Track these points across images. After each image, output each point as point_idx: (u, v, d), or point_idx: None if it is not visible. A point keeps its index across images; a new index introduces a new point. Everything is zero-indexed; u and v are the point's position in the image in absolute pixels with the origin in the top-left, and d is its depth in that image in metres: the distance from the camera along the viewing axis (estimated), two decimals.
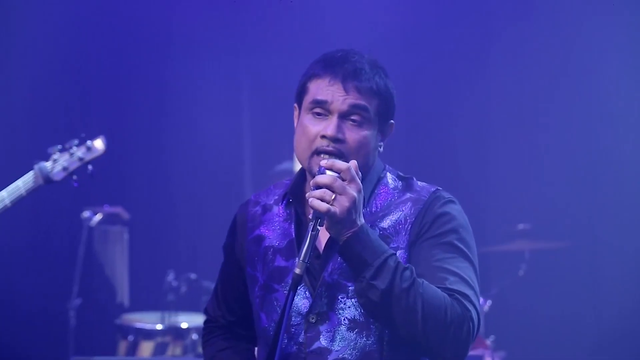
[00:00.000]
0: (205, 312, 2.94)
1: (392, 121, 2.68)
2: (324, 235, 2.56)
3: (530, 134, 7.04)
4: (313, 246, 2.51)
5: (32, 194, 4.29)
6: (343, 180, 2.43)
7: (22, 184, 4.27)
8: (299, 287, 2.54)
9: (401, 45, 6.97)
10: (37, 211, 7.13)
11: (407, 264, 2.47)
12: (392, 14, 7.03)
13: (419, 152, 6.90)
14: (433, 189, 2.65)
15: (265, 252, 2.68)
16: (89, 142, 4.35)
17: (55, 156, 4.31)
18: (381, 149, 2.67)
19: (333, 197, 2.41)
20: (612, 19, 6.74)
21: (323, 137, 2.56)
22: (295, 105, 2.71)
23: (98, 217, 6.44)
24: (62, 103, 7.09)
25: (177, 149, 7.53)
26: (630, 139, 6.78)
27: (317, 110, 2.60)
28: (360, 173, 2.49)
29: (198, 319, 6.42)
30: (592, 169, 6.89)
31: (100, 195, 6.98)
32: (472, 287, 2.52)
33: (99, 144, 4.37)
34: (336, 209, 2.40)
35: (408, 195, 2.63)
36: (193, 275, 6.42)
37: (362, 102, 2.58)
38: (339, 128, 2.56)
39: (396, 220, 2.58)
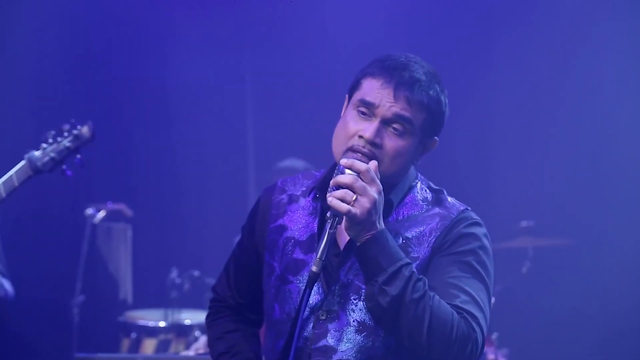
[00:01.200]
0: (214, 291, 2.91)
1: (436, 138, 2.66)
2: (345, 235, 2.55)
3: (533, 131, 7.03)
4: (334, 243, 2.52)
5: (25, 184, 4.26)
6: (363, 181, 2.41)
7: (15, 174, 4.25)
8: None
9: (403, 43, 6.96)
10: (41, 208, 7.14)
11: (421, 276, 2.46)
12: (394, 13, 7.03)
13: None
14: (462, 208, 2.64)
15: (286, 243, 2.66)
16: (77, 130, 4.30)
17: (44, 145, 4.25)
18: (418, 162, 2.66)
19: (354, 198, 2.39)
20: (615, 18, 6.73)
21: (361, 137, 2.54)
22: (347, 96, 2.68)
23: (101, 214, 6.44)
24: (65, 100, 7.08)
25: (180, 146, 7.53)
26: (633, 136, 6.77)
27: (363, 109, 2.57)
28: (379, 175, 2.47)
29: (201, 316, 6.41)
30: (596, 165, 6.88)
31: (104, 192, 6.99)
32: (482, 310, 2.51)
33: (85, 130, 4.31)
34: (357, 210, 2.38)
35: (437, 210, 2.62)
36: (196, 273, 6.43)
37: (408, 114, 2.56)
38: (378, 132, 2.54)
39: (421, 232, 2.57)
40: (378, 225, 2.42)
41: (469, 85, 7.12)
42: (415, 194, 2.65)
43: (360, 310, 2.52)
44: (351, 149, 2.53)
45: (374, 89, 2.57)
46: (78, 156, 4.29)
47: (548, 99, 6.99)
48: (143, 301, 6.84)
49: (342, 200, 2.39)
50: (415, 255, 2.54)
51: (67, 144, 4.26)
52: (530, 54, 6.99)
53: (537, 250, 6.53)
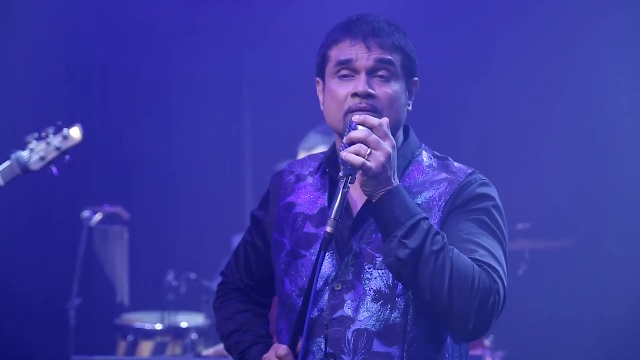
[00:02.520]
0: (223, 274, 2.92)
1: (416, 78, 2.67)
2: (355, 206, 2.58)
3: (529, 133, 7.03)
4: (346, 214, 2.54)
5: (10, 184, 4.26)
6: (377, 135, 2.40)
7: (0, 174, 4.25)
8: (327, 254, 2.54)
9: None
10: (37, 211, 7.14)
11: (439, 230, 2.44)
12: (393, 13, 7.03)
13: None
14: (470, 171, 2.63)
15: (295, 219, 2.66)
16: (65, 131, 4.29)
17: (31, 145, 4.26)
18: (410, 107, 2.66)
19: (368, 152, 2.37)
20: (615, 18, 6.73)
21: (354, 95, 2.54)
22: (318, 79, 2.69)
23: (98, 216, 6.44)
24: (60, 102, 7.08)
25: (177, 149, 7.54)
26: (630, 138, 6.77)
27: (343, 72, 2.58)
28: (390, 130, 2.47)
29: (198, 319, 6.43)
30: (592, 168, 6.88)
31: (100, 195, 6.99)
32: (500, 265, 2.48)
33: (75, 132, 4.32)
34: (372, 163, 2.36)
35: (444, 175, 2.60)
36: (193, 275, 6.43)
37: (387, 57, 2.57)
38: (368, 84, 2.55)
39: (430, 197, 2.56)
40: (393, 180, 2.41)
41: (466, 87, 7.13)
42: (421, 160, 2.65)
43: (375, 278, 2.51)
44: (350, 111, 2.53)
45: (344, 50, 2.59)
46: (67, 157, 4.30)
47: (544, 101, 7.00)
48: (140, 304, 6.84)
49: (357, 155, 2.37)
50: None
51: (57, 144, 4.27)
52: (526, 57, 7.00)
53: (534, 252, 6.54)
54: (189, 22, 7.40)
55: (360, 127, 2.40)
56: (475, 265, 2.41)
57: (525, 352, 6.74)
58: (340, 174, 2.43)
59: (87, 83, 7.31)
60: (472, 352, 6.01)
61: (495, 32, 7.07)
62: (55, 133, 4.29)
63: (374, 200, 2.42)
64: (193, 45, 7.40)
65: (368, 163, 2.36)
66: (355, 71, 2.57)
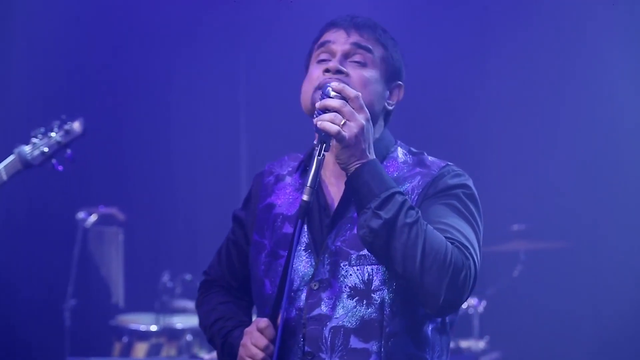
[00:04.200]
0: (205, 273, 2.94)
1: (400, 82, 2.69)
2: (333, 203, 2.59)
3: (525, 134, 7.04)
4: (324, 208, 2.56)
5: (13, 178, 4.26)
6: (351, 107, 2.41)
7: (3, 168, 4.24)
8: (304, 253, 2.56)
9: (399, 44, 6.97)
10: (33, 212, 7.13)
11: (414, 206, 2.44)
12: (391, 14, 7.02)
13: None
14: (443, 164, 2.64)
15: (275, 220, 2.67)
16: (67, 125, 4.30)
17: (35, 140, 4.26)
18: (390, 107, 2.67)
19: (342, 122, 2.37)
20: (612, 18, 6.74)
21: (326, 71, 2.58)
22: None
23: (93, 217, 6.44)
24: (57, 102, 7.07)
25: (173, 150, 7.53)
26: (625, 139, 6.78)
27: (322, 56, 2.63)
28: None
29: (193, 320, 6.42)
30: (588, 169, 6.89)
31: (96, 196, 6.98)
32: (471, 244, 2.47)
33: (76, 126, 4.32)
34: (345, 132, 2.37)
35: (418, 169, 2.62)
36: (188, 276, 6.42)
37: (365, 43, 2.62)
38: (341, 62, 2.59)
39: (404, 192, 2.54)
40: (369, 154, 2.42)
41: (461, 88, 7.13)
42: (396, 157, 2.67)
43: (350, 275, 2.52)
44: (319, 87, 2.54)
45: (327, 36, 2.66)
46: (69, 151, 4.30)
47: (541, 102, 7.00)
48: (135, 305, 6.83)
49: (331, 123, 2.37)
50: None
51: (58, 139, 4.28)
52: (522, 58, 7.00)
53: (529, 253, 6.54)
54: (186, 22, 7.39)
55: (333, 94, 2.41)
56: (448, 242, 2.41)
57: (521, 353, 6.75)
58: (315, 141, 2.45)
59: (83, 84, 7.30)
60: (467, 352, 6.02)
61: (492, 32, 7.07)
62: (59, 127, 4.30)
63: (349, 174, 2.43)
64: (189, 46, 7.39)
65: (342, 132, 2.36)
66: (332, 53, 2.62)
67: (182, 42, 7.40)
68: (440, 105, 7.15)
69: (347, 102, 2.40)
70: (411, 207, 2.41)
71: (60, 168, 4.30)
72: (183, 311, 6.50)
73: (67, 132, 4.29)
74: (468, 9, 7.10)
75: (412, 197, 2.56)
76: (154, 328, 6.35)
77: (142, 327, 6.37)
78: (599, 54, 6.82)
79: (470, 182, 2.62)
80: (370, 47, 2.62)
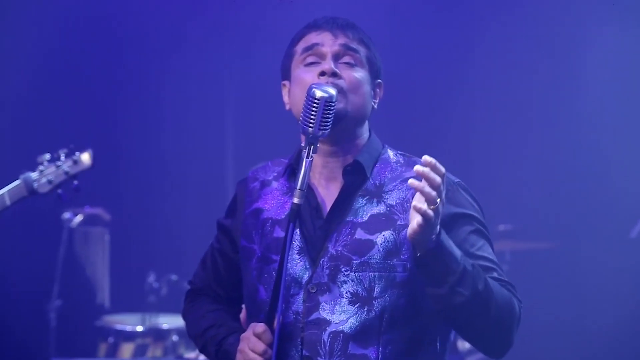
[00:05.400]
0: (191, 283, 2.92)
1: (380, 81, 2.69)
2: (325, 206, 2.59)
3: (511, 134, 7.05)
4: (316, 209, 2.56)
5: (17, 204, 4.24)
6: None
7: (7, 193, 4.23)
8: (297, 256, 2.55)
9: (382, 43, 6.97)
10: (18, 212, 7.08)
11: (472, 261, 2.46)
12: (374, 13, 7.02)
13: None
14: None
15: (264, 224, 2.65)
16: (76, 155, 4.28)
17: (42, 167, 4.23)
18: (375, 106, 2.67)
19: (438, 201, 2.31)
20: (595, 22, 6.76)
21: (322, 74, 2.56)
22: (284, 82, 2.71)
23: (79, 218, 6.42)
24: (43, 104, 7.05)
25: (158, 151, 7.51)
26: (611, 139, 6.80)
27: (310, 59, 2.62)
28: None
29: (179, 321, 6.40)
30: (574, 169, 6.90)
31: (81, 197, 6.95)
32: (503, 271, 2.60)
33: (86, 157, 4.30)
34: (432, 215, 2.30)
35: (413, 172, 2.55)
36: (174, 277, 6.41)
37: (353, 45, 2.62)
38: (335, 65, 2.58)
39: (403, 198, 2.57)
40: (437, 226, 2.36)
41: (448, 89, 7.14)
42: (388, 158, 2.66)
43: (352, 281, 2.51)
44: (312, 86, 2.51)
45: (311, 39, 2.64)
46: (75, 182, 4.29)
47: (527, 104, 7.02)
48: (120, 305, 6.82)
49: (428, 201, 2.30)
50: (403, 223, 2.53)
51: (66, 169, 4.25)
52: (510, 58, 7.01)
53: (515, 254, 6.56)
54: (169, 20, 7.36)
55: (421, 169, 2.29)
56: (507, 292, 2.52)
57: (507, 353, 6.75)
58: (303, 143, 2.45)
59: (67, 85, 7.27)
60: (451, 356, 6.03)
61: (477, 36, 7.08)
62: (67, 156, 4.27)
63: (423, 250, 2.37)
64: (175, 47, 7.37)
65: (430, 213, 2.29)
66: (321, 56, 2.61)
67: (168, 44, 7.38)
68: (426, 105, 7.16)
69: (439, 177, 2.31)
70: (477, 271, 2.44)
71: (65, 198, 4.29)
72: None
73: (76, 162, 4.28)
74: (454, 8, 7.10)
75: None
76: (139, 328, 6.34)
77: (128, 328, 6.36)
78: (586, 55, 6.84)
79: (469, 190, 2.66)
80: (358, 47, 2.62)
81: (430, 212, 2.28)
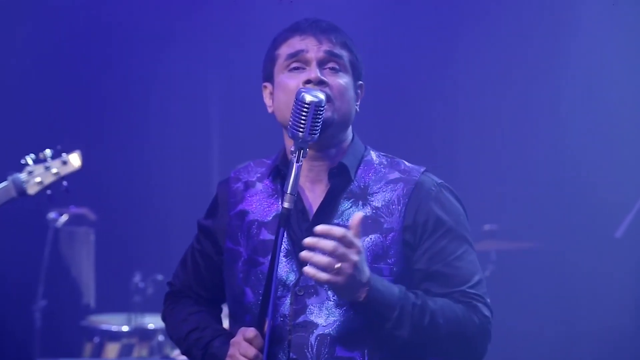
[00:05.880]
0: (171, 285, 2.90)
1: (361, 82, 2.69)
2: (310, 206, 2.59)
3: (495, 134, 7.06)
4: (302, 211, 2.55)
5: (4, 206, 4.22)
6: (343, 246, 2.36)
7: None
8: (284, 259, 2.55)
9: (368, 43, 6.98)
10: (2, 212, 7.06)
11: (416, 291, 2.50)
12: (363, 12, 7.02)
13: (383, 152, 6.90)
14: (422, 169, 2.66)
15: (250, 227, 2.65)
16: (64, 156, 4.25)
17: (30, 168, 4.19)
18: (357, 109, 2.67)
19: (337, 266, 2.33)
20: (579, 21, 6.78)
21: (307, 82, 2.55)
22: (266, 84, 2.71)
23: (64, 218, 6.41)
24: (28, 104, 7.03)
25: (144, 150, 7.50)
26: (596, 140, 6.81)
27: (294, 65, 2.60)
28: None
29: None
30: (559, 169, 6.92)
31: (66, 196, 6.93)
32: (482, 277, 2.62)
33: (75, 159, 4.27)
34: (338, 278, 2.34)
35: (397, 174, 2.63)
36: (160, 277, 6.40)
37: (338, 51, 2.61)
38: (321, 72, 2.57)
39: (389, 200, 2.57)
40: (364, 280, 2.38)
41: (432, 86, 7.15)
42: (371, 159, 2.67)
43: None
44: (299, 92, 2.50)
45: (295, 44, 2.62)
46: (65, 183, 4.26)
47: (510, 103, 7.02)
48: (106, 305, 6.81)
49: (324, 270, 2.34)
50: (389, 227, 2.55)
51: (56, 170, 4.22)
52: (494, 57, 7.02)
53: (501, 253, 6.57)
54: (154, 15, 7.33)
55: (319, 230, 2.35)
56: (464, 311, 2.54)
57: (491, 352, 6.74)
58: (292, 148, 2.45)
59: (51, 83, 7.24)
60: None
61: (461, 38, 7.08)
62: (53, 157, 4.23)
63: (354, 305, 2.44)
64: (160, 47, 7.35)
65: (333, 279, 2.34)
66: (306, 62, 2.59)
67: (153, 44, 7.36)
68: (411, 105, 7.16)
69: (338, 240, 2.34)
70: (415, 305, 2.46)
71: (53, 199, 4.27)
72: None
73: (65, 163, 4.25)
74: (437, 8, 7.10)
75: (400, 208, 2.57)
76: (125, 328, 6.33)
77: (114, 328, 6.36)
78: (571, 52, 6.85)
79: (453, 191, 2.67)
80: (341, 52, 2.61)
81: (328, 278, 2.33)
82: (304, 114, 2.43)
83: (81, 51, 7.32)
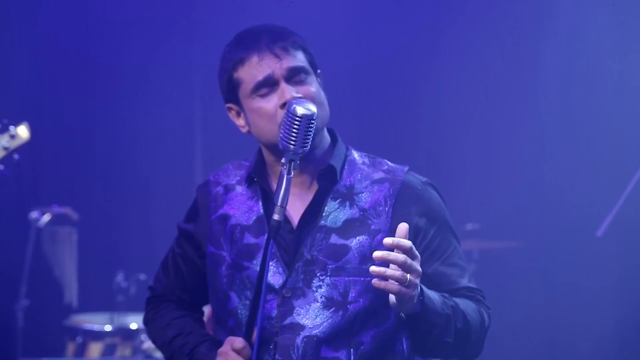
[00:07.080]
0: (152, 289, 2.88)
1: (319, 71, 2.68)
2: (295, 210, 2.59)
3: (477, 133, 7.08)
4: (285, 219, 2.52)
5: None
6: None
7: None
8: (270, 263, 2.54)
9: (347, 40, 6.99)
10: None
11: (445, 294, 2.54)
12: (349, 9, 7.02)
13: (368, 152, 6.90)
14: (406, 169, 2.66)
15: (232, 231, 2.64)
16: (12, 129, 4.21)
17: None
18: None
19: (408, 277, 2.35)
20: (562, 17, 6.80)
21: (284, 104, 2.53)
22: (230, 105, 2.70)
23: (46, 217, 6.39)
24: (6, 101, 7.00)
25: (126, 148, 7.48)
26: (578, 139, 6.83)
27: (263, 90, 2.58)
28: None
29: None
30: (541, 168, 6.94)
31: (49, 196, 6.93)
32: (471, 273, 2.70)
33: (23, 131, 4.23)
34: (409, 290, 2.36)
35: (382, 174, 2.63)
36: (143, 276, 6.39)
37: (297, 63, 2.58)
38: (292, 89, 2.55)
39: (376, 202, 2.58)
40: (419, 289, 2.42)
41: (416, 85, 7.15)
42: (354, 159, 2.67)
43: (327, 285, 2.52)
44: (286, 105, 2.51)
45: (255, 67, 2.59)
46: (16, 156, 4.22)
47: (493, 102, 7.04)
48: (89, 305, 6.79)
49: (398, 281, 2.34)
50: (377, 228, 2.55)
51: (5, 144, 4.18)
52: (478, 57, 7.03)
53: (483, 253, 6.58)
54: (137, 9, 7.31)
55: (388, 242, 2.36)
56: (474, 304, 2.60)
57: None
58: (283, 160, 2.45)
59: (33, 81, 7.22)
60: None
61: (444, 35, 7.09)
62: (1, 132, 4.20)
63: (407, 313, 2.46)
64: (145, 48, 7.34)
65: (404, 290, 2.36)
66: (274, 84, 2.57)
67: (138, 44, 7.35)
68: (394, 103, 7.17)
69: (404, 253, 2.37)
70: (456, 310, 2.52)
71: (5, 173, 4.22)
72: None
73: (13, 137, 4.20)
74: (420, 5, 7.11)
75: (387, 209, 2.58)
76: (108, 328, 6.32)
77: (96, 327, 6.34)
78: (552, 52, 6.87)
79: (436, 188, 2.69)
80: (301, 62, 2.60)
81: (400, 289, 2.34)
82: (295, 127, 2.44)
83: (65, 49, 7.30)
